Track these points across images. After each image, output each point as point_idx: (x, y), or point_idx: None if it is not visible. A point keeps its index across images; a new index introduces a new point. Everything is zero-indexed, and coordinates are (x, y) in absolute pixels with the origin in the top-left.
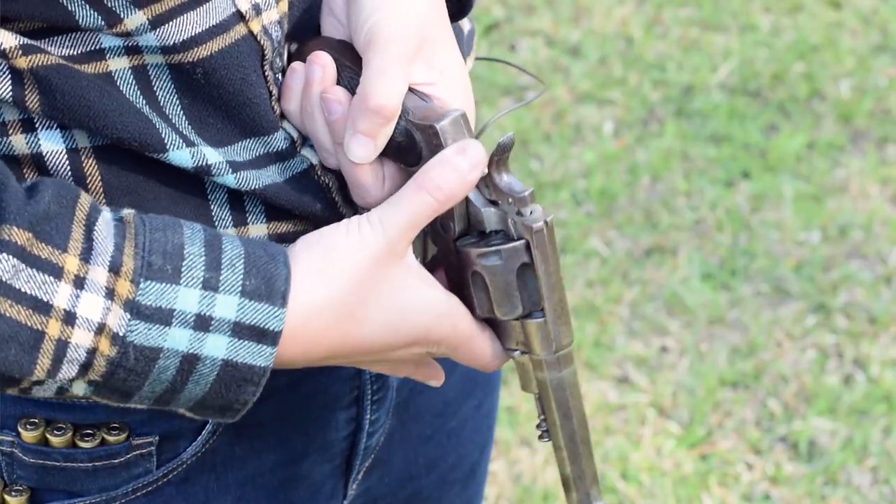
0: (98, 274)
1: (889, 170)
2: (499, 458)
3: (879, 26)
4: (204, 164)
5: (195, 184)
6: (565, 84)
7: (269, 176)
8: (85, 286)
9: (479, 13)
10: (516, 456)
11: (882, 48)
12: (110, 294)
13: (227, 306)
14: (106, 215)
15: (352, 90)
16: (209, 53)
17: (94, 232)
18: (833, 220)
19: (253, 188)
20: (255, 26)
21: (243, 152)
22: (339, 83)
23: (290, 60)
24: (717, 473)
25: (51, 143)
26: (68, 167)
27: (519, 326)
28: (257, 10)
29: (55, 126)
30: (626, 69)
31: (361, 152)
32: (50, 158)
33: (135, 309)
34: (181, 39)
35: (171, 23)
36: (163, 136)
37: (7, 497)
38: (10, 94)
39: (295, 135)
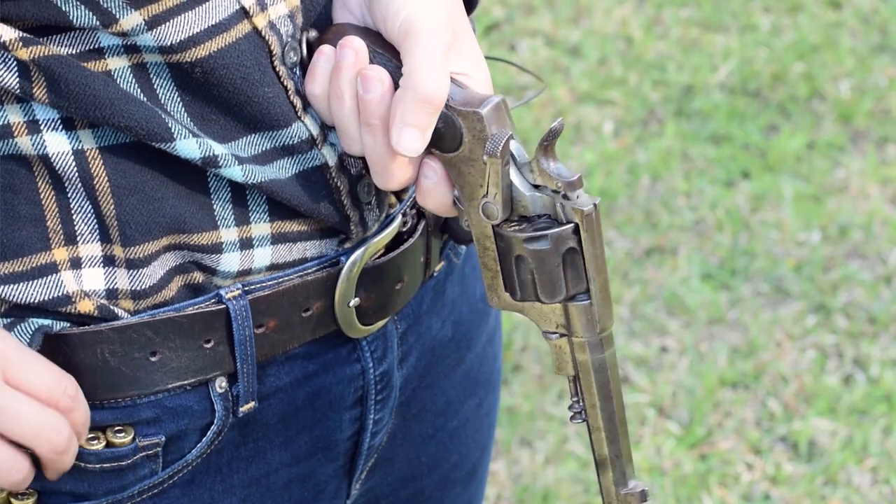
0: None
1: (889, 170)
2: (499, 458)
3: (879, 26)
4: (211, 154)
5: (200, 182)
6: (565, 84)
7: (275, 171)
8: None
9: (479, 13)
10: (516, 456)
11: (882, 48)
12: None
13: None
14: None
15: None
16: (207, 53)
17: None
18: (833, 220)
19: (259, 182)
20: (261, 22)
21: (248, 147)
22: None
23: (309, 48)
24: (717, 473)
25: (57, 144)
26: (74, 168)
27: (560, 309)
28: (262, 5)
29: (61, 127)
30: (626, 69)
31: (413, 145)
32: (56, 159)
33: None
34: (178, 40)
35: (168, 23)
36: (169, 125)
37: (14, 501)
38: (18, 85)
39: (315, 131)
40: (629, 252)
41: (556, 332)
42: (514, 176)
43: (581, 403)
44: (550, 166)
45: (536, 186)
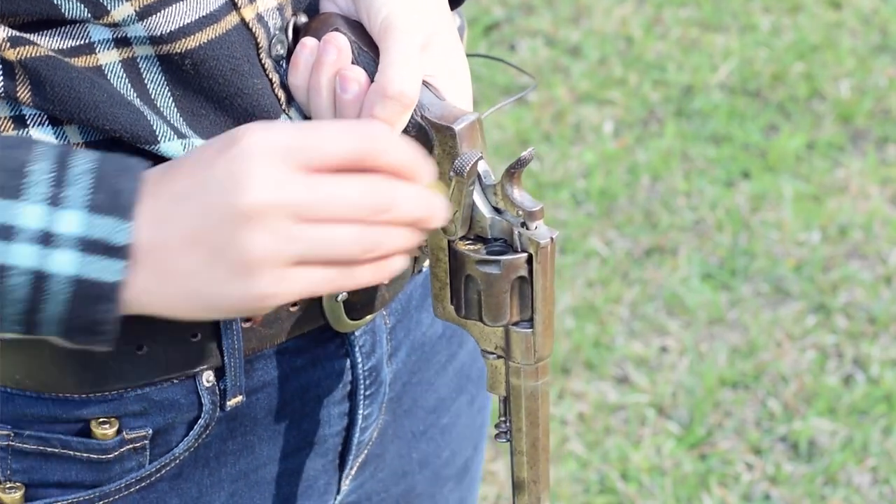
0: None
1: (889, 170)
2: (498, 458)
3: (879, 26)
4: None
5: None
6: (565, 84)
7: None
8: None
9: (479, 13)
10: None
11: (882, 48)
12: None
13: (72, 222)
14: None
15: (366, 72)
16: (198, 44)
17: None
18: (833, 220)
19: None
20: (248, 14)
21: None
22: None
23: (296, 34)
24: (717, 473)
25: (43, 140)
26: None
27: (501, 332)
28: None
29: (47, 122)
30: (626, 69)
31: None
32: None
33: None
34: (169, 30)
35: (159, 13)
36: (154, 127)
37: (1, 495)
38: (2, 86)
39: None
40: (629, 252)
41: (493, 353)
42: (478, 197)
43: (507, 424)
44: (514, 193)
45: (498, 210)
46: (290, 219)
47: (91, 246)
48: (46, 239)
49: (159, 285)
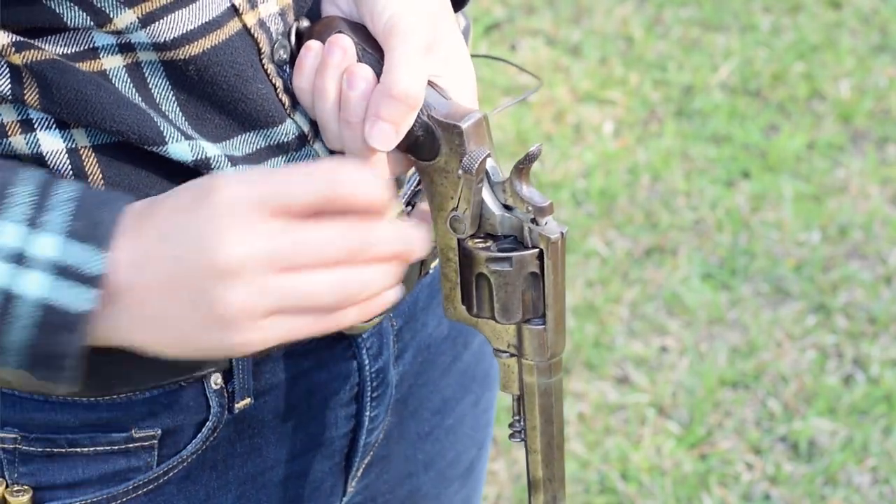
0: None
1: (889, 170)
2: (499, 458)
3: (879, 26)
4: (203, 156)
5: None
6: (565, 84)
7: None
8: None
9: (479, 13)
10: (516, 456)
11: (882, 48)
12: None
13: (48, 246)
14: None
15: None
16: (201, 51)
17: None
18: (833, 220)
19: None
20: (250, 19)
21: (242, 146)
22: None
23: (299, 38)
24: (717, 473)
25: (51, 143)
26: (69, 166)
27: (514, 330)
28: (252, 3)
29: (54, 126)
30: (627, 69)
31: (383, 139)
32: (50, 158)
33: None
34: (172, 37)
35: (161, 20)
36: (161, 129)
37: (9, 498)
38: (10, 90)
39: (306, 128)
40: (629, 252)
41: (506, 352)
42: (487, 194)
43: (522, 423)
44: (523, 190)
45: (507, 207)
46: (266, 270)
47: (63, 271)
48: (20, 259)
49: (133, 324)
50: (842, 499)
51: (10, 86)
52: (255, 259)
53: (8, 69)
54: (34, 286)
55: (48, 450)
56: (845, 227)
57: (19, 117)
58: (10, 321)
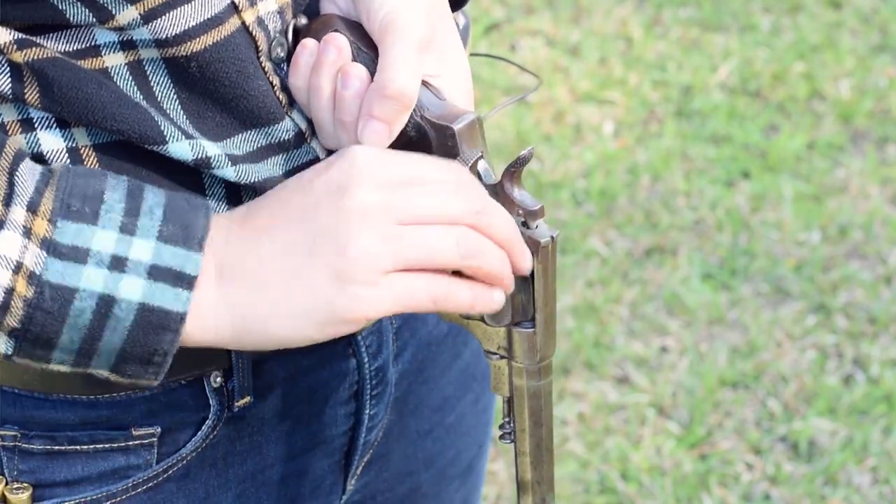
0: (17, 214)
1: (889, 170)
2: (499, 458)
3: (879, 26)
4: (203, 156)
5: (194, 179)
6: (565, 84)
7: (269, 169)
8: (4, 226)
9: (479, 13)
10: None
11: (882, 48)
12: (27, 233)
13: (143, 249)
14: (30, 163)
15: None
16: (203, 47)
17: (16, 177)
18: (833, 220)
19: (252, 181)
20: (249, 17)
21: (243, 144)
22: None
23: (296, 35)
24: (717, 473)
25: (51, 142)
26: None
27: (504, 333)
28: (252, 0)
29: (55, 125)
30: (626, 69)
31: (376, 138)
32: (50, 157)
33: (51, 247)
34: (174, 33)
35: (163, 17)
36: (162, 128)
37: (9, 495)
38: (10, 89)
39: (304, 126)
40: (629, 252)
41: (496, 353)
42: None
43: (511, 425)
44: (514, 193)
45: None
46: (388, 218)
47: (160, 274)
48: (117, 264)
49: (253, 297)
50: (842, 499)
51: (10, 84)
52: (379, 206)
53: (8, 67)
54: (132, 289)
55: (48, 447)
56: (845, 227)
57: (20, 116)
58: (112, 324)
